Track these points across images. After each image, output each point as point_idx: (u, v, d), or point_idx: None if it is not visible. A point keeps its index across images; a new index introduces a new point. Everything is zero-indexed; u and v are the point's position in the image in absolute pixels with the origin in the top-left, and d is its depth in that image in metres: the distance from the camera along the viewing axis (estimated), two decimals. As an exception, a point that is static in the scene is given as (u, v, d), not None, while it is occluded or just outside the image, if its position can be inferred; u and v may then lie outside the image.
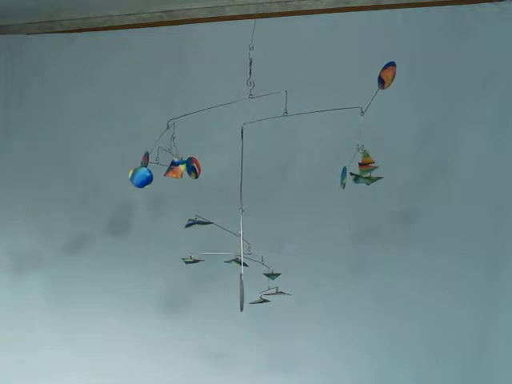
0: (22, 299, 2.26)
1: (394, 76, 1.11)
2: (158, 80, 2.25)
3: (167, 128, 1.32)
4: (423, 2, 2.06)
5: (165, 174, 1.30)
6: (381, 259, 2.00)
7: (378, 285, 2.00)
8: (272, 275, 1.48)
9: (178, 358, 2.14)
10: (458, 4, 2.02)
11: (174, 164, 1.28)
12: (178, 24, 2.28)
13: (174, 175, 1.29)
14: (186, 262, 1.51)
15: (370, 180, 1.16)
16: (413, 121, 2.02)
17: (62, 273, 2.25)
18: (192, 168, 1.26)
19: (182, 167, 1.28)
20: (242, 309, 1.21)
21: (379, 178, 1.17)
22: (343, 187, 1.18)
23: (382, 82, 1.13)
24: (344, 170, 1.16)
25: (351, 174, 1.16)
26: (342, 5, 2.14)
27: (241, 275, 1.21)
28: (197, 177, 1.28)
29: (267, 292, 1.44)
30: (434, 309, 1.96)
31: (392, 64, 1.12)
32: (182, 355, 2.14)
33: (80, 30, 2.39)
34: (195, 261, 1.50)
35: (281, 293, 1.45)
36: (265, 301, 1.44)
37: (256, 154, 1.96)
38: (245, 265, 1.44)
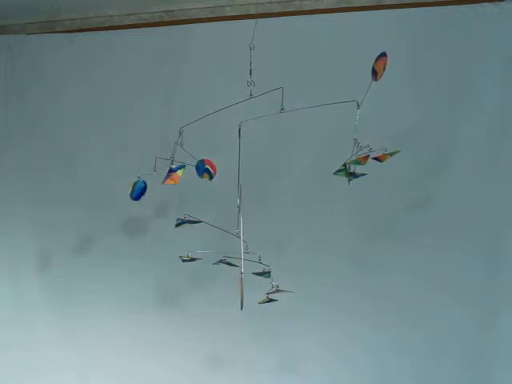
0: (22, 299, 2.26)
1: (385, 66, 1.12)
2: (158, 80, 2.25)
3: (180, 135, 1.32)
4: (424, 2, 2.05)
5: (163, 183, 1.30)
6: (380, 259, 2.00)
7: (378, 284, 2.00)
8: (263, 274, 1.48)
9: (178, 358, 2.14)
10: (458, 4, 2.02)
11: (171, 171, 1.29)
12: (178, 24, 2.28)
13: (172, 182, 1.29)
14: (184, 261, 1.50)
15: (348, 175, 1.20)
16: (413, 120, 2.01)
17: (62, 273, 2.25)
18: (205, 169, 1.25)
19: (180, 172, 1.29)
20: (242, 307, 1.21)
21: (363, 174, 1.20)
22: (349, 183, 1.20)
23: (374, 74, 1.14)
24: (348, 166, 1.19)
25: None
26: (343, 5, 2.13)
27: (241, 273, 1.21)
28: (211, 177, 1.26)
29: (269, 291, 1.44)
30: (434, 308, 1.96)
31: (383, 55, 1.13)
32: (182, 355, 2.14)
33: (80, 30, 2.38)
34: (192, 259, 1.50)
35: (280, 291, 1.45)
36: (271, 300, 1.44)
37: (254, 153, 1.98)
38: (233, 265, 1.45)
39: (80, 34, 2.36)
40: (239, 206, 1.29)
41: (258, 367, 2.08)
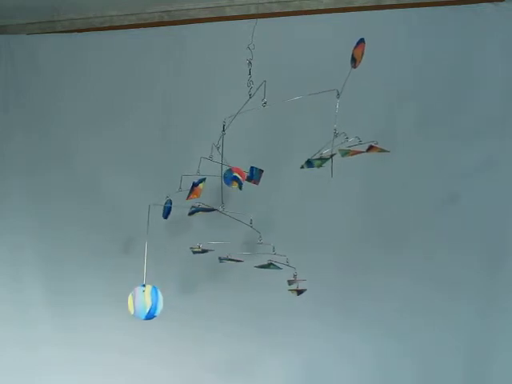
0: (23, 299, 2.26)
1: (362, 53, 1.09)
2: (158, 80, 2.25)
3: (218, 148, 1.31)
4: (424, 2, 2.05)
5: (187, 198, 1.30)
6: (381, 258, 1.99)
7: (379, 284, 1.99)
8: (267, 266, 1.46)
9: (179, 359, 2.14)
10: (458, 4, 2.02)
11: (194, 185, 1.29)
12: (178, 24, 2.28)
13: (195, 196, 1.29)
14: (194, 252, 1.47)
15: (321, 162, 1.18)
16: (413, 120, 2.01)
17: (62, 272, 2.25)
18: (233, 177, 1.23)
19: (201, 186, 1.29)
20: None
21: (321, 166, 1.18)
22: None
23: (354, 61, 1.12)
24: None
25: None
26: (342, 5, 2.13)
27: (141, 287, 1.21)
28: (241, 185, 1.25)
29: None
30: (436, 308, 1.96)
31: (361, 41, 1.11)
32: (184, 356, 2.13)
33: (80, 30, 2.39)
34: (204, 251, 1.44)
35: (292, 280, 1.45)
36: (302, 291, 1.47)
37: (253, 151, 1.98)
38: (238, 260, 1.45)
39: (80, 34, 2.36)
40: (222, 203, 1.29)
41: (262, 368, 2.08)
